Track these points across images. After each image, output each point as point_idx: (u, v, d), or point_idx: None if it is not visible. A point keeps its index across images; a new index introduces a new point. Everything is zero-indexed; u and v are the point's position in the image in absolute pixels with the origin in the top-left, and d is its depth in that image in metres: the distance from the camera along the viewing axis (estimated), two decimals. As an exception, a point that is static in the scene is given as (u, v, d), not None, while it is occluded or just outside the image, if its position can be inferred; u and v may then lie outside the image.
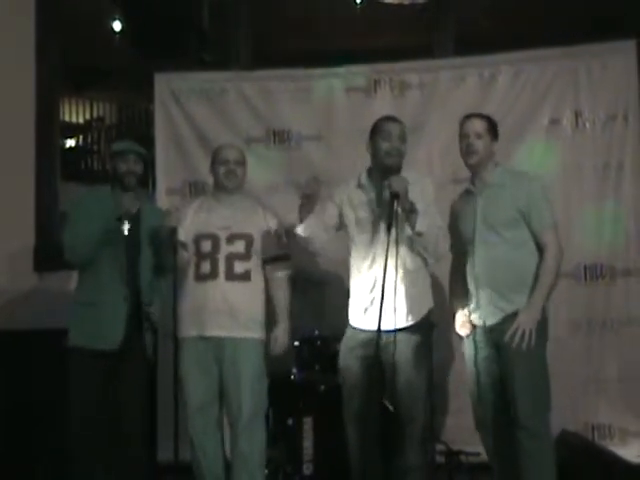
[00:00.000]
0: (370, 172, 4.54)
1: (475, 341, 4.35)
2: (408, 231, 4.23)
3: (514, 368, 4.16)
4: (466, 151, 4.36)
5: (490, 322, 4.26)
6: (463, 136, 4.38)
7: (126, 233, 4.48)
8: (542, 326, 4.20)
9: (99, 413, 4.50)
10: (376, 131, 4.49)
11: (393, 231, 4.10)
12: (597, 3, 8.17)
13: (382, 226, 4.33)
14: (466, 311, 4.41)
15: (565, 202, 5.43)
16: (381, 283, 4.30)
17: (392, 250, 4.11)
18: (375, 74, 5.86)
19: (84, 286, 4.62)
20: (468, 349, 4.40)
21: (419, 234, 4.23)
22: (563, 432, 5.18)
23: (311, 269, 5.60)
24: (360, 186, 4.52)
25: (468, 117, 4.41)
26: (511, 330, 4.14)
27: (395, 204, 4.11)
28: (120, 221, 4.43)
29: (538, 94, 5.65)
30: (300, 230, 4.52)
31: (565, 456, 4.77)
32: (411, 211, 4.18)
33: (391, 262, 4.26)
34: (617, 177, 5.58)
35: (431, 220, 4.27)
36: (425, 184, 4.46)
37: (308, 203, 4.45)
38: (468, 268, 4.37)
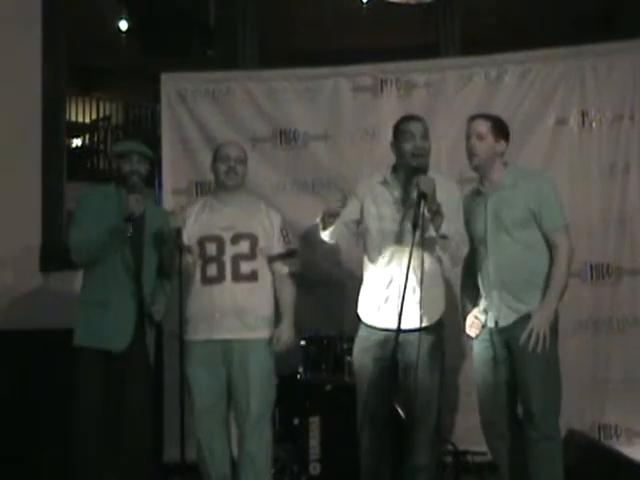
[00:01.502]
0: (395, 169, 4.52)
1: (484, 341, 4.36)
2: (430, 232, 4.21)
3: (528, 369, 4.17)
4: (468, 153, 4.38)
5: (503, 323, 4.26)
6: (467, 137, 4.39)
7: (130, 234, 4.48)
8: (553, 326, 4.21)
9: (104, 413, 4.50)
10: (398, 132, 4.48)
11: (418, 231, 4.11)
12: (603, 2, 8.17)
13: (403, 225, 4.35)
14: (475, 311, 4.41)
15: (571, 202, 5.41)
16: (397, 281, 4.33)
17: (415, 250, 4.13)
18: (381, 74, 5.85)
19: (90, 286, 4.62)
20: (477, 349, 4.40)
21: (444, 237, 4.23)
22: (570, 432, 5.17)
23: (317, 268, 5.60)
24: (384, 183, 4.50)
25: (472, 118, 4.42)
26: (526, 332, 4.14)
27: (422, 204, 4.10)
28: (127, 222, 4.43)
29: (545, 94, 5.63)
30: (325, 235, 4.48)
31: (572, 456, 4.77)
32: (437, 213, 4.17)
33: (416, 263, 4.28)
34: (623, 176, 5.57)
35: (455, 224, 4.28)
36: (451, 188, 4.47)
37: (332, 214, 4.36)
38: (480, 268, 4.37)
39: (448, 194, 4.33)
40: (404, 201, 4.41)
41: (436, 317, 4.39)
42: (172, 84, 5.95)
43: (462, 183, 5.19)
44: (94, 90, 13.74)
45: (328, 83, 5.90)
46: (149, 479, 4.71)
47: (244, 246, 4.52)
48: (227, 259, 4.49)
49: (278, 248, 4.63)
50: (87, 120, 14.06)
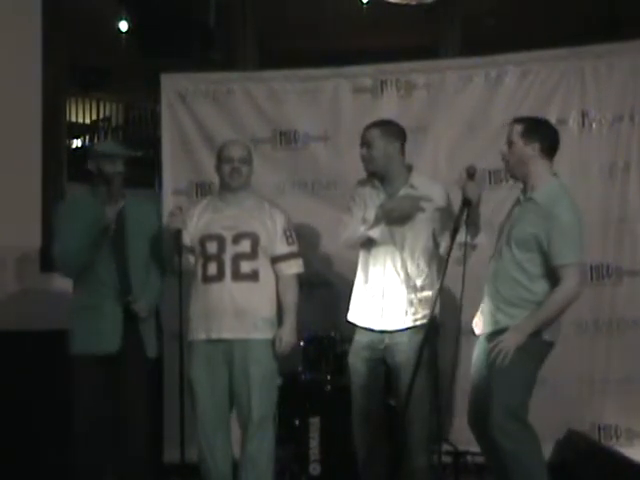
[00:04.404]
0: None
1: (479, 344, 4.35)
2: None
3: (493, 378, 4.10)
4: (503, 162, 4.29)
5: (486, 329, 4.26)
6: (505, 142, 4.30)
7: (112, 234, 4.51)
8: (527, 348, 4.07)
9: (103, 417, 4.53)
10: None
11: (444, 237, 4.29)
12: (603, 3, 8.17)
13: (386, 228, 4.44)
14: (479, 311, 4.41)
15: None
16: (381, 283, 4.48)
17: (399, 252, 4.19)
18: (381, 74, 5.84)
19: (77, 293, 4.67)
20: (474, 352, 4.39)
21: (474, 246, 4.27)
22: (569, 432, 5.18)
23: (317, 268, 5.60)
24: (373, 186, 4.60)
25: (510, 123, 4.29)
26: (492, 343, 4.09)
27: (465, 211, 4.11)
28: (106, 230, 4.45)
29: (545, 94, 5.62)
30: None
31: (571, 456, 4.77)
32: (476, 222, 4.22)
33: (398, 264, 4.34)
34: (623, 177, 5.56)
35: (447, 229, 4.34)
36: (439, 190, 4.59)
37: None
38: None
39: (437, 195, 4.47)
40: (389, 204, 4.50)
41: (425, 318, 4.39)
42: (172, 85, 5.95)
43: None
44: (94, 91, 13.74)
45: (328, 84, 5.89)
46: (149, 479, 4.73)
47: (245, 245, 4.50)
48: (227, 258, 4.47)
49: (281, 249, 4.60)
50: (87, 121, 14.09)
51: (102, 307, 4.53)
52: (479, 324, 4.38)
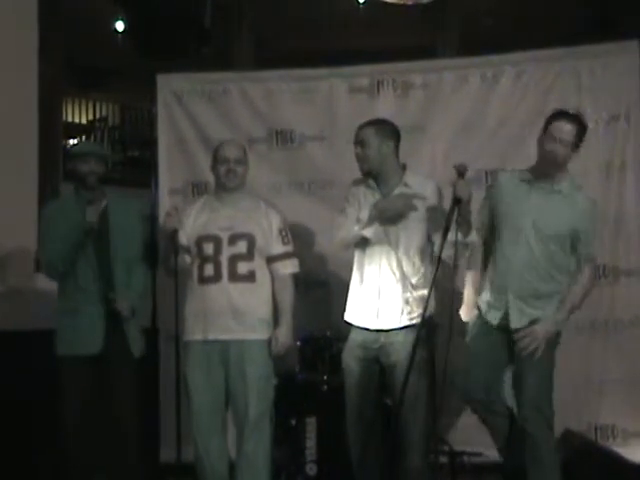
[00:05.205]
0: None
1: (485, 334, 4.35)
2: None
3: (524, 370, 4.17)
4: (547, 157, 4.23)
5: (515, 325, 4.25)
6: (548, 137, 4.22)
7: (95, 234, 4.50)
8: (554, 339, 4.19)
9: (91, 418, 4.52)
10: None
11: (438, 236, 4.21)
12: (599, 3, 8.17)
13: (380, 227, 4.42)
14: (478, 300, 4.41)
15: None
16: (376, 282, 4.46)
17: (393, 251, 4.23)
18: (378, 74, 5.85)
19: (63, 294, 4.66)
20: (475, 332, 4.41)
21: (466, 244, 4.27)
22: (566, 432, 5.17)
23: (314, 268, 5.60)
24: (368, 186, 4.57)
25: (558, 117, 4.23)
26: (524, 333, 4.13)
27: (456, 209, 4.11)
28: (87, 235, 4.45)
29: (541, 94, 5.62)
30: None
31: (568, 456, 4.76)
32: (467, 220, 4.22)
33: (394, 264, 4.33)
34: (620, 177, 5.57)
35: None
36: (434, 189, 4.53)
37: None
38: (495, 259, 4.35)
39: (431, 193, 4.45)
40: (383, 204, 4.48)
41: (420, 317, 4.37)
42: (168, 85, 5.96)
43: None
44: (90, 91, 13.74)
45: (324, 84, 5.90)
46: (144, 478, 4.72)
47: (242, 246, 4.50)
48: (224, 259, 4.46)
49: (276, 249, 4.59)
50: (84, 121, 14.07)
51: (84, 308, 4.54)
52: (474, 310, 4.40)
